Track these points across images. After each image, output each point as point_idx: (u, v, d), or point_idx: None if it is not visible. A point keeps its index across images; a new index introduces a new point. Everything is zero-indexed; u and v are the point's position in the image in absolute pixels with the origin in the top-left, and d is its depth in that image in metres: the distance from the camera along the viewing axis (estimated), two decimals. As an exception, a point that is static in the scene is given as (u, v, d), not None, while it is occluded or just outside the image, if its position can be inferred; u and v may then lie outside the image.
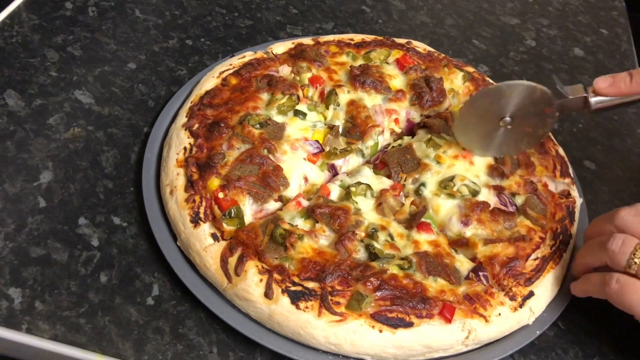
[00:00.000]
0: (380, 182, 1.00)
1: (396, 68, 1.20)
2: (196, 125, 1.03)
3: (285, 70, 1.16)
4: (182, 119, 1.05)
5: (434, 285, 0.86)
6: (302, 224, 0.92)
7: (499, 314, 0.86)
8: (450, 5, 1.61)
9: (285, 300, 0.82)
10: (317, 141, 1.03)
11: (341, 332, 0.80)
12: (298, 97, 1.09)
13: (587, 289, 0.86)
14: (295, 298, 0.82)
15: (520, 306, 0.87)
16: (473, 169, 1.02)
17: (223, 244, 0.88)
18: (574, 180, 1.08)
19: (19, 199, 0.98)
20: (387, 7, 1.57)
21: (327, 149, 1.04)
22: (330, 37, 1.28)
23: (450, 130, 1.06)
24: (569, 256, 0.96)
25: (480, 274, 0.89)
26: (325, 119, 1.10)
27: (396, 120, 1.12)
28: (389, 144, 1.11)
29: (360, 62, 1.20)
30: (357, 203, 0.95)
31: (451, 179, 0.99)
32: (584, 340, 0.92)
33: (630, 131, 1.31)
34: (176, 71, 1.26)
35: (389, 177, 1.02)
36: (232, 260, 0.86)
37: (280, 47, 1.23)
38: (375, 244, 0.89)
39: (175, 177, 0.96)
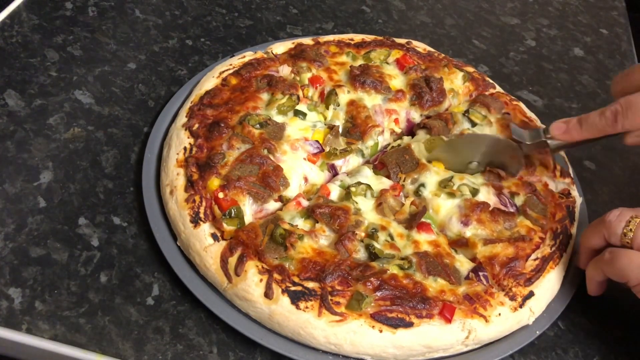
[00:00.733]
0: (380, 182, 1.00)
1: (396, 68, 1.20)
2: (196, 125, 1.03)
3: (285, 70, 1.16)
4: (182, 119, 1.05)
5: (434, 285, 0.86)
6: (302, 224, 0.92)
7: (499, 314, 0.86)
8: (450, 5, 1.61)
9: (285, 300, 0.82)
10: (317, 141, 1.03)
11: (341, 332, 0.80)
12: (298, 97, 1.09)
13: (592, 275, 0.89)
14: (295, 298, 0.82)
15: (520, 306, 0.87)
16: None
17: (223, 244, 0.88)
18: (574, 180, 1.08)
19: (19, 199, 0.98)
20: (387, 7, 1.57)
21: (327, 149, 1.04)
22: (330, 37, 1.27)
23: (449, 133, 1.06)
24: (569, 256, 0.96)
25: (480, 274, 0.89)
26: (325, 119, 1.10)
27: (396, 121, 1.12)
28: (388, 144, 1.11)
29: (360, 62, 1.20)
30: (357, 203, 0.95)
31: (450, 178, 0.99)
32: (584, 340, 0.92)
33: (630, 131, 1.31)
34: (176, 71, 1.26)
35: (388, 177, 1.02)
36: (232, 260, 0.86)
37: (280, 47, 1.23)
38: (375, 244, 0.89)
39: (175, 177, 0.96)
